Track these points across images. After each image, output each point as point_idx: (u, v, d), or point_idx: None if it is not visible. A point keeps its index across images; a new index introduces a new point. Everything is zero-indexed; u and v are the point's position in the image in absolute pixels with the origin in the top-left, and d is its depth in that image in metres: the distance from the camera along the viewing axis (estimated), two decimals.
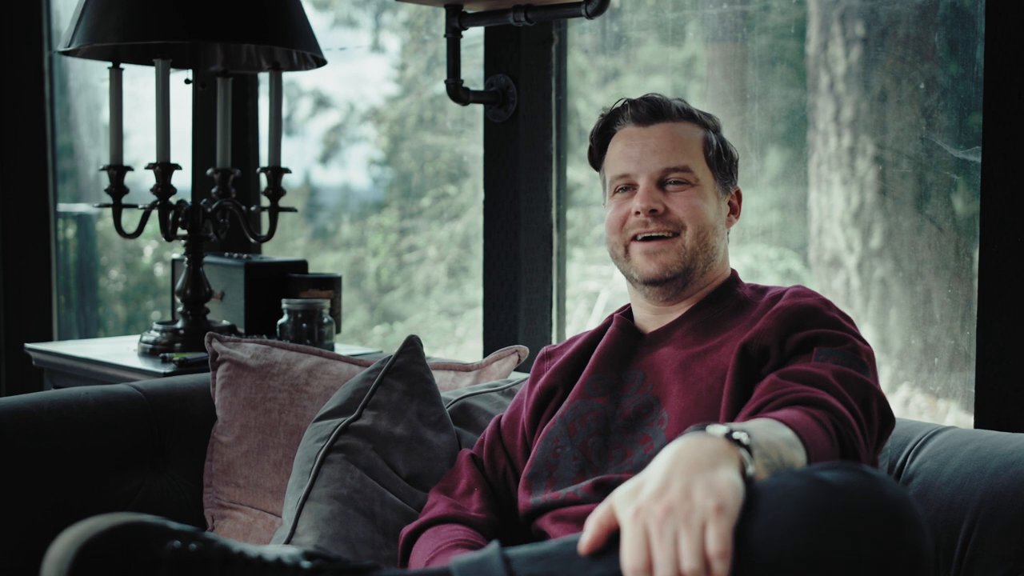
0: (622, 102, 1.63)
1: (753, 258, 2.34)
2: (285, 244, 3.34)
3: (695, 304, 1.59)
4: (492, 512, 1.63)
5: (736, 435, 1.13)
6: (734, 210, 1.64)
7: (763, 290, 1.60)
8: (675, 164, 1.56)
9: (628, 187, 1.59)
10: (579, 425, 1.56)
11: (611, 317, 1.68)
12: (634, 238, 1.57)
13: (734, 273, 1.64)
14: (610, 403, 1.56)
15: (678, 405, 1.49)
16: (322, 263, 3.25)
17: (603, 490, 1.48)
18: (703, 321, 1.57)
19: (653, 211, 1.55)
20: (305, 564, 1.13)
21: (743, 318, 1.54)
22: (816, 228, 2.26)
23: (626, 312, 1.68)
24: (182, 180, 2.83)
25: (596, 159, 1.67)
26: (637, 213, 1.55)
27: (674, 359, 1.54)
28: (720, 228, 1.60)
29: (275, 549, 1.15)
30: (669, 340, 1.58)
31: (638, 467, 1.47)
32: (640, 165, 1.57)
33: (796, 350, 1.44)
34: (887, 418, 1.43)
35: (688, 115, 1.61)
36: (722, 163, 1.61)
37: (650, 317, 1.62)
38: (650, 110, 1.59)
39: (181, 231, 2.57)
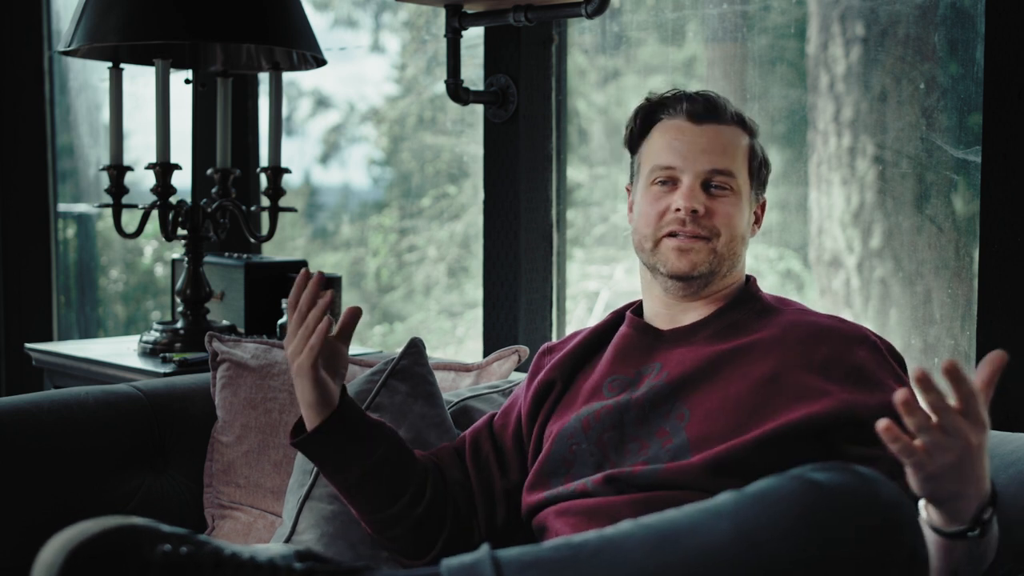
0: (676, 92, 1.59)
1: (753, 258, 2.34)
2: (285, 244, 3.34)
3: (719, 308, 1.57)
4: (440, 464, 1.65)
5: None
6: (757, 219, 1.62)
7: (780, 299, 1.60)
8: (722, 167, 1.53)
9: (668, 180, 1.55)
10: (593, 421, 1.52)
11: (617, 314, 1.65)
12: (668, 234, 1.54)
13: (752, 278, 1.62)
14: (624, 396, 1.53)
15: (703, 405, 1.46)
16: (322, 263, 3.25)
17: (614, 483, 1.45)
18: (729, 325, 1.55)
19: (694, 211, 1.52)
20: (297, 566, 1.11)
21: (770, 321, 1.53)
22: (816, 228, 2.26)
23: (634, 310, 1.65)
24: (182, 180, 2.83)
25: (635, 141, 1.62)
26: (677, 210, 1.52)
27: (699, 355, 1.51)
28: (747, 237, 1.58)
29: (267, 550, 1.14)
30: (694, 339, 1.55)
31: (653, 460, 1.45)
32: (687, 162, 1.53)
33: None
34: None
35: (739, 120, 1.58)
36: (761, 174, 1.60)
37: (663, 313, 1.59)
38: (706, 107, 1.56)
39: (181, 231, 2.57)
